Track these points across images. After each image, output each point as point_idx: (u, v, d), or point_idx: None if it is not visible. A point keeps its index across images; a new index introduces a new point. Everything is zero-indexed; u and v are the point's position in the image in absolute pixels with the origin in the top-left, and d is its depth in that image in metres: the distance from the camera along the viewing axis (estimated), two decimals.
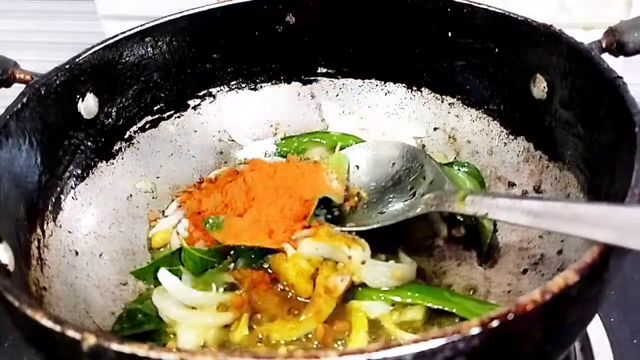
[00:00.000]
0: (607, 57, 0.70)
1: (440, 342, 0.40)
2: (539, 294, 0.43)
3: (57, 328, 0.44)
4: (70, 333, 0.43)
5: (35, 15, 1.23)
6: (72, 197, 0.79)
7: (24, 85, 0.75)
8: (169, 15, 0.86)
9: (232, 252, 0.75)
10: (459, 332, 0.41)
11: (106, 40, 0.81)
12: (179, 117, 0.93)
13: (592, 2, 1.04)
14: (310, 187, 0.80)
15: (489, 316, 0.41)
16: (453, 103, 0.92)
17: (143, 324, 0.70)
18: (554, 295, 0.44)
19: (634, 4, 1.02)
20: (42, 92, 0.73)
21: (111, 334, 0.69)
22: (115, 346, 0.41)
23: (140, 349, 0.41)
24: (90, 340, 0.42)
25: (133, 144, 0.88)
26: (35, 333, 0.47)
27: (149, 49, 0.86)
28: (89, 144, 0.82)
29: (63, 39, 1.22)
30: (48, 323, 0.45)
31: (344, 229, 0.75)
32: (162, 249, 0.81)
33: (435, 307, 0.68)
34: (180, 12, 0.87)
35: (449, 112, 0.93)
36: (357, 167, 0.86)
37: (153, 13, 0.88)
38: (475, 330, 0.41)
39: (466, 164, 0.87)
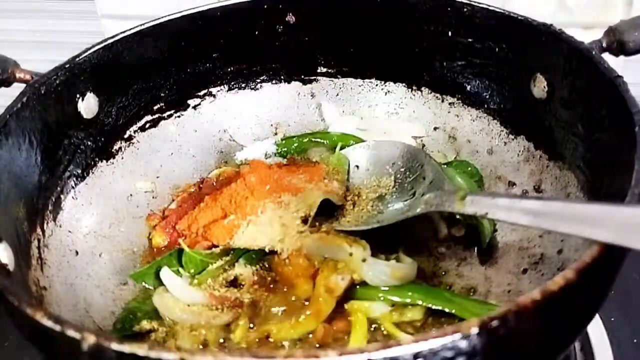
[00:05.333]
0: (607, 57, 0.70)
1: (440, 342, 0.40)
2: (539, 294, 0.43)
3: (57, 328, 0.44)
4: (70, 333, 0.43)
5: (35, 15, 1.23)
6: (72, 197, 0.79)
7: (24, 85, 0.75)
8: (168, 15, 0.86)
9: (232, 252, 0.75)
10: (458, 332, 0.41)
11: (106, 40, 0.81)
12: (179, 116, 0.93)
13: (592, 2, 1.04)
14: (311, 188, 0.80)
15: (489, 316, 0.41)
16: (453, 103, 0.92)
17: (143, 323, 0.70)
18: (554, 294, 0.44)
19: (634, 3, 1.02)
20: (42, 92, 0.73)
21: (111, 334, 0.69)
22: (115, 346, 0.41)
23: (140, 349, 0.41)
24: (90, 339, 0.42)
25: (133, 143, 0.88)
26: (35, 333, 0.47)
27: (149, 49, 0.86)
28: (89, 143, 0.82)
29: (63, 38, 1.22)
30: (48, 323, 0.45)
31: (344, 229, 0.75)
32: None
33: (435, 307, 0.68)
34: (180, 12, 0.87)
35: (449, 112, 0.93)
36: (357, 167, 0.86)
37: (153, 13, 0.88)
38: (475, 330, 0.41)
39: (464, 163, 0.87)
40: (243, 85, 0.97)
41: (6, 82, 0.78)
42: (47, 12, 1.22)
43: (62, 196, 0.78)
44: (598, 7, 1.04)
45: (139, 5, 1.15)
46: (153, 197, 0.88)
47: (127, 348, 0.41)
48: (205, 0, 0.90)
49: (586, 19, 1.04)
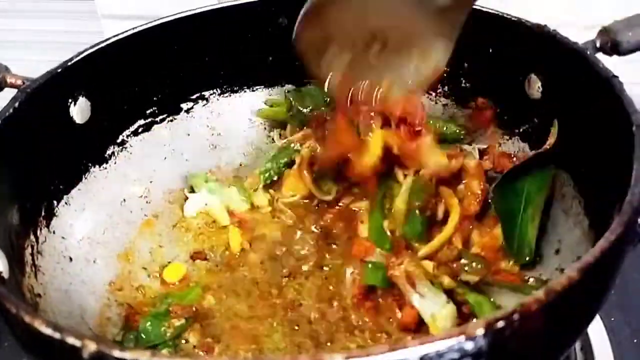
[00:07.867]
0: (603, 57, 0.70)
1: (446, 343, 0.40)
2: (543, 294, 0.43)
3: (57, 335, 0.43)
4: (71, 340, 0.42)
5: (35, 15, 1.22)
6: (66, 203, 0.78)
7: (16, 90, 0.74)
8: (162, 18, 0.85)
9: None
10: (464, 334, 0.40)
11: (98, 44, 0.81)
12: (171, 120, 0.92)
13: (592, 2, 1.04)
14: None
15: (494, 317, 0.41)
16: (447, 104, 0.92)
17: None
18: (557, 294, 0.43)
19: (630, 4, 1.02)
20: (34, 97, 0.72)
21: (111, 341, 0.68)
22: (117, 353, 0.41)
23: (142, 356, 0.40)
24: (92, 347, 0.41)
25: (126, 148, 0.87)
26: (33, 341, 0.47)
27: (141, 52, 0.85)
28: (82, 148, 0.81)
29: (63, 38, 1.22)
30: (47, 330, 0.44)
31: None
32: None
33: None
34: (173, 15, 0.86)
35: (442, 113, 0.93)
36: None
37: (153, 13, 0.87)
38: (481, 332, 0.41)
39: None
40: (236, 88, 0.96)
41: None
42: (46, 12, 1.21)
43: (55, 202, 0.77)
44: (598, 7, 1.04)
45: (139, 5, 1.14)
46: (147, 202, 0.87)
47: (128, 355, 0.40)
48: (204, 1, 0.89)
49: (586, 19, 1.05)
